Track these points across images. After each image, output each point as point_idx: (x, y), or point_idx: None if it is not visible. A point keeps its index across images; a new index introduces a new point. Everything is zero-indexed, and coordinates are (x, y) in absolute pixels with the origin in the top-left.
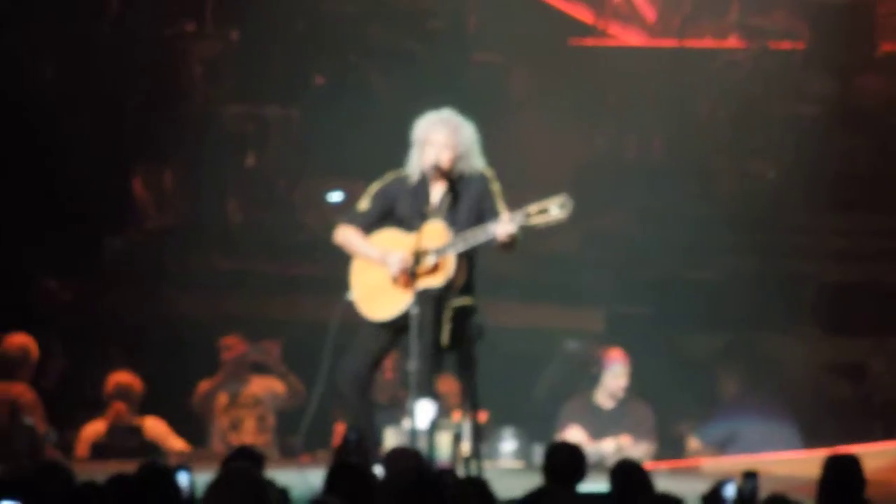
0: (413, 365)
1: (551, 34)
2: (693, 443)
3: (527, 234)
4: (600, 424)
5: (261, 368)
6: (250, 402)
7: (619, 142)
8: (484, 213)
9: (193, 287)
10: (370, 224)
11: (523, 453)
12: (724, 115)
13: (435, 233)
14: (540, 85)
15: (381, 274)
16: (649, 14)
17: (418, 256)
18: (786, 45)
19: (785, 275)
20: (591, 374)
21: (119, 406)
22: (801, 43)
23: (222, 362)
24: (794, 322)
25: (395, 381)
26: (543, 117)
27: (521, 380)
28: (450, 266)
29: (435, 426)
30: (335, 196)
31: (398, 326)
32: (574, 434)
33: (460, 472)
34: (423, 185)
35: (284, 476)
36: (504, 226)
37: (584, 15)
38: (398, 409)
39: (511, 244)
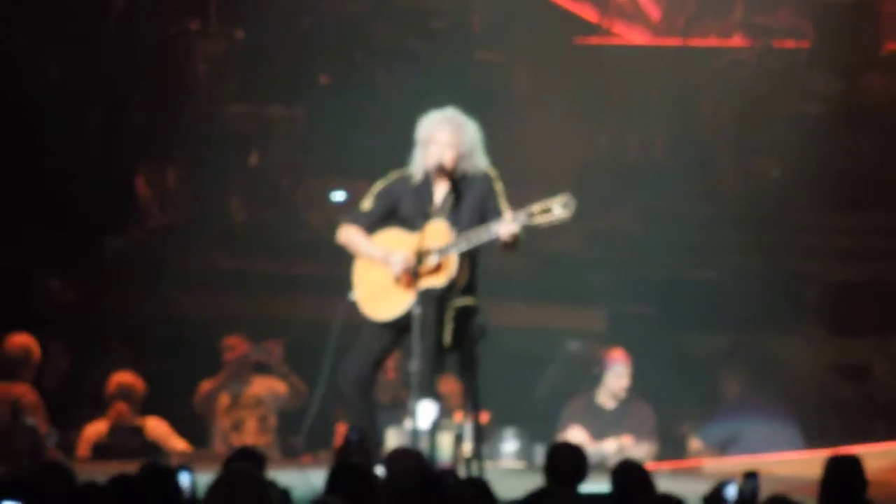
0: (415, 365)
1: (555, 33)
2: (694, 443)
3: (529, 234)
4: (602, 425)
5: (263, 369)
6: (252, 402)
7: (623, 141)
8: (487, 213)
9: (196, 286)
10: (373, 224)
11: (525, 454)
12: (728, 114)
13: (438, 232)
14: (543, 84)
15: (384, 274)
16: (654, 13)
17: (421, 256)
18: (790, 43)
19: (789, 274)
20: (592, 375)
21: (120, 406)
22: (806, 42)
23: (224, 362)
24: (798, 322)
25: (397, 381)
26: (547, 116)
27: (522, 380)
28: (452, 266)
29: (436, 427)
30: (338, 195)
31: (400, 326)
32: (575, 434)
33: (462, 472)
34: (426, 185)
35: (286, 476)
36: (507, 225)
37: (588, 14)
38: (400, 410)
39: (514, 244)
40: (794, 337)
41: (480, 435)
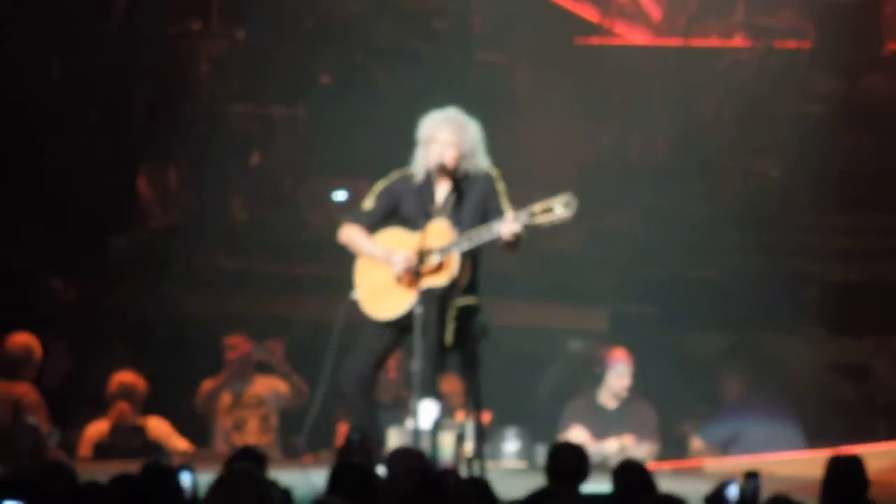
0: (416, 365)
1: (556, 33)
2: (696, 443)
3: (531, 234)
4: (603, 424)
5: (265, 368)
6: (254, 402)
7: (624, 141)
8: (488, 213)
9: (198, 286)
10: (375, 223)
11: (526, 453)
12: (729, 115)
13: (439, 232)
14: (544, 84)
15: (386, 273)
16: (655, 13)
17: (422, 255)
18: (791, 44)
19: (789, 274)
20: (594, 374)
21: (122, 406)
22: (807, 42)
23: (226, 362)
24: (799, 322)
25: (398, 380)
26: (548, 116)
27: (524, 379)
28: (454, 265)
29: (438, 426)
30: (340, 195)
31: (402, 326)
32: (577, 434)
33: (463, 472)
34: (427, 184)
35: (287, 476)
36: (508, 225)
37: (589, 14)
38: (401, 409)
39: (515, 243)
40: (795, 337)
41: (482, 434)
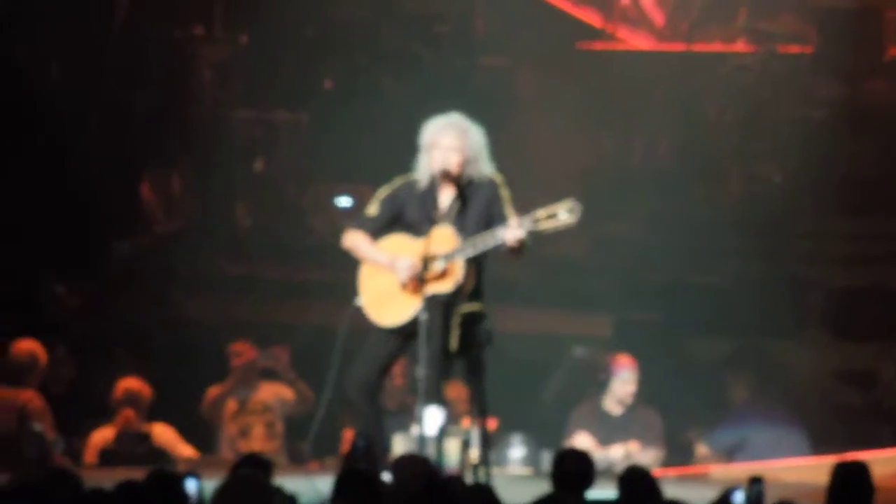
0: (421, 371)
1: (559, 38)
2: (701, 449)
3: (535, 239)
4: (608, 431)
5: (270, 374)
6: (259, 408)
7: (627, 146)
8: (492, 219)
9: (202, 292)
10: (379, 229)
11: (531, 460)
12: (732, 120)
13: (443, 238)
14: (548, 89)
15: (390, 279)
16: (658, 18)
17: (427, 262)
18: (794, 49)
19: (793, 280)
20: (599, 381)
21: (127, 412)
22: (810, 47)
23: (232, 368)
24: (803, 328)
25: (404, 387)
26: (551, 121)
27: (529, 386)
28: (458, 271)
29: (443, 433)
30: (344, 201)
31: (407, 332)
32: (582, 440)
33: (468, 478)
34: (431, 190)
35: (293, 483)
36: (512, 231)
37: (592, 19)
38: (407, 416)
39: (519, 249)
40: (799, 342)
41: (487, 441)
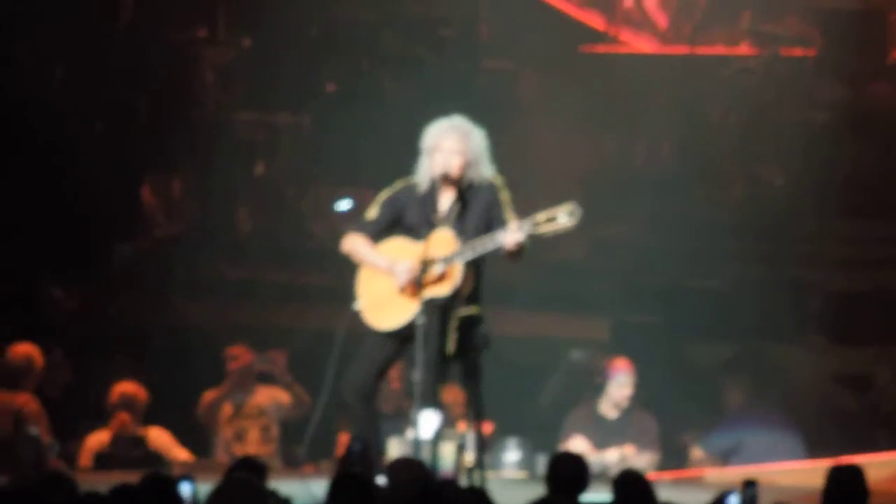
0: (417, 375)
1: (562, 41)
2: (697, 453)
3: (533, 242)
4: (604, 434)
5: (266, 378)
6: (255, 412)
7: (629, 149)
8: (492, 222)
9: (201, 295)
10: (378, 232)
11: (527, 463)
12: (735, 122)
13: (443, 241)
14: (550, 92)
15: (388, 283)
16: (661, 21)
17: (426, 265)
18: (797, 51)
19: (792, 283)
20: (595, 384)
21: (123, 416)
22: (813, 50)
23: (228, 372)
24: (801, 331)
25: (400, 391)
26: (554, 124)
27: (525, 389)
28: (457, 275)
29: (439, 436)
30: (343, 204)
31: (404, 336)
32: (577, 444)
33: (463, 482)
34: (431, 194)
35: (288, 486)
36: (512, 234)
37: (595, 22)
38: (402, 420)
39: (518, 253)
40: (797, 346)
41: (483, 445)
